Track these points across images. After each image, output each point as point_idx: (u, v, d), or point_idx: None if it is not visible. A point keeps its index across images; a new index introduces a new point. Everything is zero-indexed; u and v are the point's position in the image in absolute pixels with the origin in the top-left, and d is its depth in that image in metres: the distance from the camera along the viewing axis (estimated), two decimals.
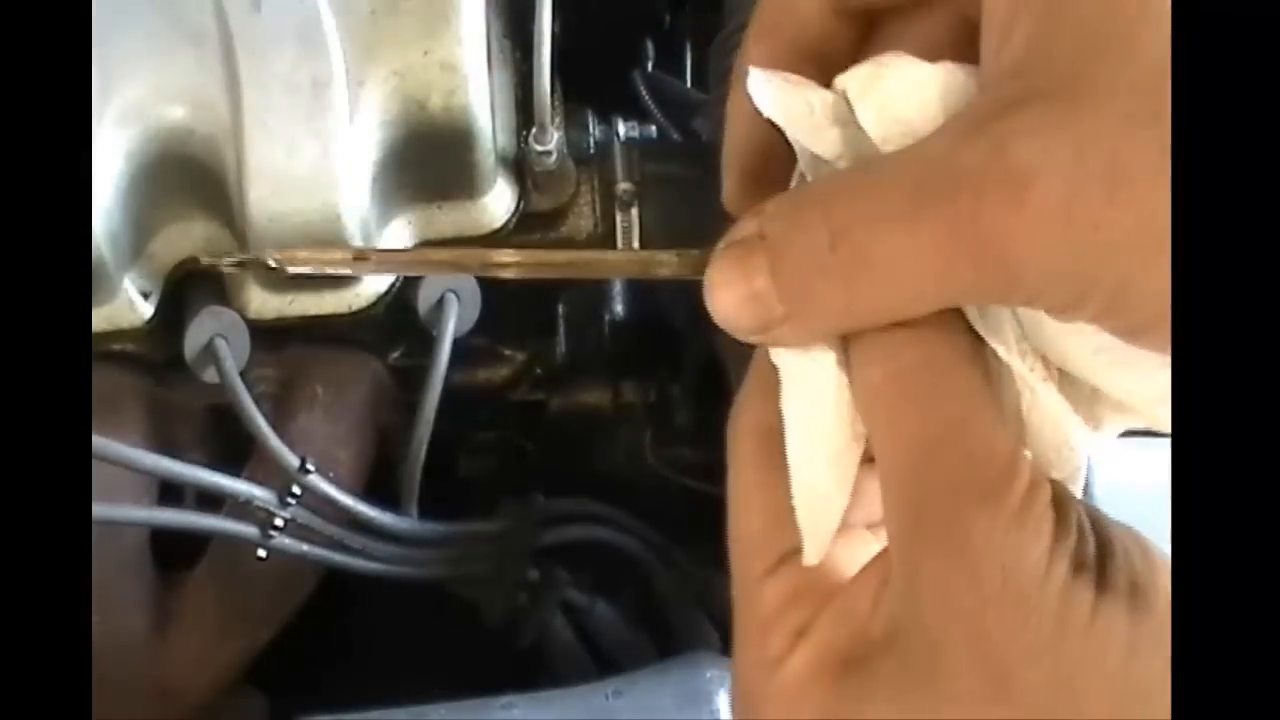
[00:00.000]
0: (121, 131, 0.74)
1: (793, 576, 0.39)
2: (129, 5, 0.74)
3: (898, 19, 0.40)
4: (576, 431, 0.93)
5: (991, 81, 0.36)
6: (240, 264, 0.42)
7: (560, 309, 0.88)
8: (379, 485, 0.83)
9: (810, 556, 0.38)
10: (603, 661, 0.89)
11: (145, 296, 0.78)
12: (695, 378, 0.93)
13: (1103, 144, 0.32)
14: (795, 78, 0.38)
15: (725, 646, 0.87)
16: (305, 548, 0.79)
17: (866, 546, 0.39)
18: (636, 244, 0.84)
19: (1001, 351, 0.36)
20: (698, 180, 0.85)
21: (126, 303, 0.77)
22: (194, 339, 0.77)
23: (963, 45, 0.38)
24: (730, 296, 0.37)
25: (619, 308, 0.89)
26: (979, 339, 0.37)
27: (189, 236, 0.79)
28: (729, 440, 0.40)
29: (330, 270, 0.42)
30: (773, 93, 0.38)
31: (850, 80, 0.37)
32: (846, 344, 0.37)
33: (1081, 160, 0.32)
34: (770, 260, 0.36)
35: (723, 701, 0.72)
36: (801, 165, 0.39)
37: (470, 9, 0.76)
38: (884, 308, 0.35)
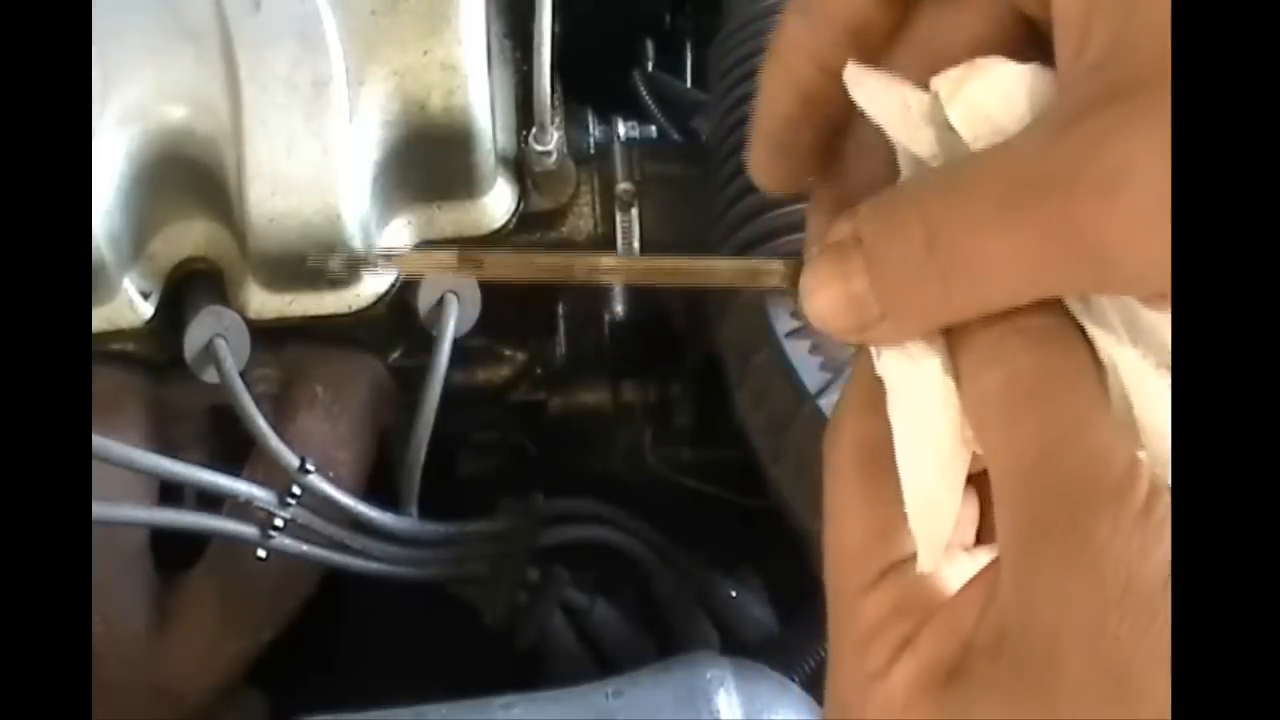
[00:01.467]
0: (121, 131, 0.74)
1: (895, 589, 0.39)
2: (129, 5, 0.74)
3: (939, 5, 0.40)
4: (576, 431, 0.93)
5: (1074, 80, 0.36)
6: (350, 264, 0.43)
7: (560, 309, 0.88)
8: (379, 485, 0.83)
9: (925, 564, 0.38)
10: (603, 661, 0.89)
11: (145, 296, 0.78)
12: (695, 378, 0.93)
13: None
14: (891, 76, 0.38)
15: (725, 646, 0.87)
16: (305, 548, 0.79)
17: (965, 566, 0.39)
18: (636, 244, 0.84)
19: (1112, 343, 0.36)
20: (698, 180, 0.85)
21: (126, 303, 0.77)
22: (194, 339, 0.77)
23: (1007, 37, 0.38)
24: (828, 299, 0.37)
25: (619, 308, 0.89)
26: (1089, 346, 0.36)
27: (189, 236, 0.79)
28: (826, 453, 0.40)
29: (441, 270, 0.43)
30: (870, 87, 0.38)
31: (942, 81, 0.37)
32: (952, 349, 0.38)
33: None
34: (867, 262, 0.37)
35: (723, 701, 0.72)
36: (900, 163, 0.39)
37: (470, 9, 0.76)
38: (981, 304, 0.36)
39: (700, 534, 0.92)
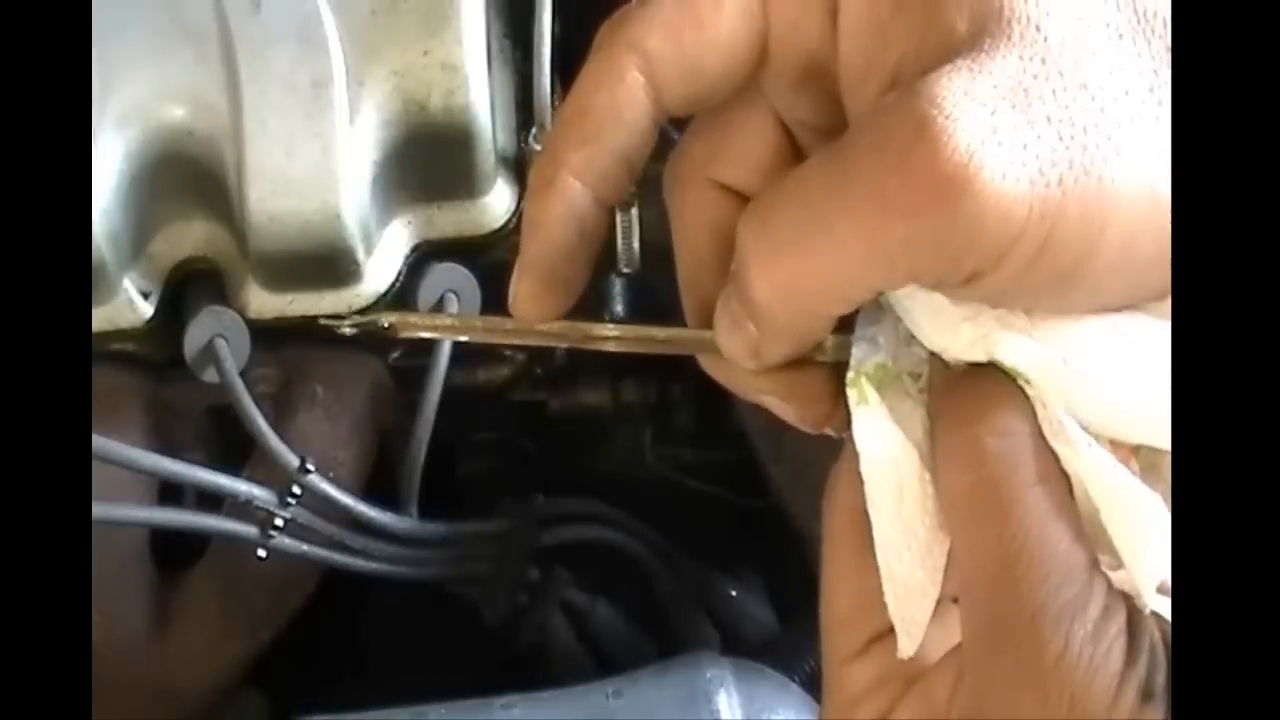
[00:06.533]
0: (121, 131, 0.74)
1: (879, 659, 0.40)
2: (129, 5, 0.74)
3: (708, 130, 0.43)
4: (576, 431, 0.93)
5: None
6: (358, 326, 0.45)
7: None
8: (379, 485, 0.83)
9: (905, 649, 0.39)
10: (603, 661, 0.89)
11: (145, 296, 0.78)
12: (695, 378, 0.92)
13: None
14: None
15: (725, 647, 0.87)
16: (305, 548, 0.79)
17: (952, 624, 0.39)
18: (636, 244, 0.84)
19: (1075, 456, 0.36)
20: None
21: (126, 303, 0.77)
22: (194, 339, 0.77)
23: (773, 149, 0.41)
24: (723, 329, 0.40)
25: (619, 308, 0.89)
26: (1055, 456, 0.37)
27: (189, 236, 0.79)
28: (824, 516, 0.41)
29: (441, 336, 0.46)
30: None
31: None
32: (932, 442, 0.38)
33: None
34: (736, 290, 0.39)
35: (723, 702, 0.72)
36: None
37: (470, 9, 0.76)
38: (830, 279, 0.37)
39: (700, 534, 0.92)
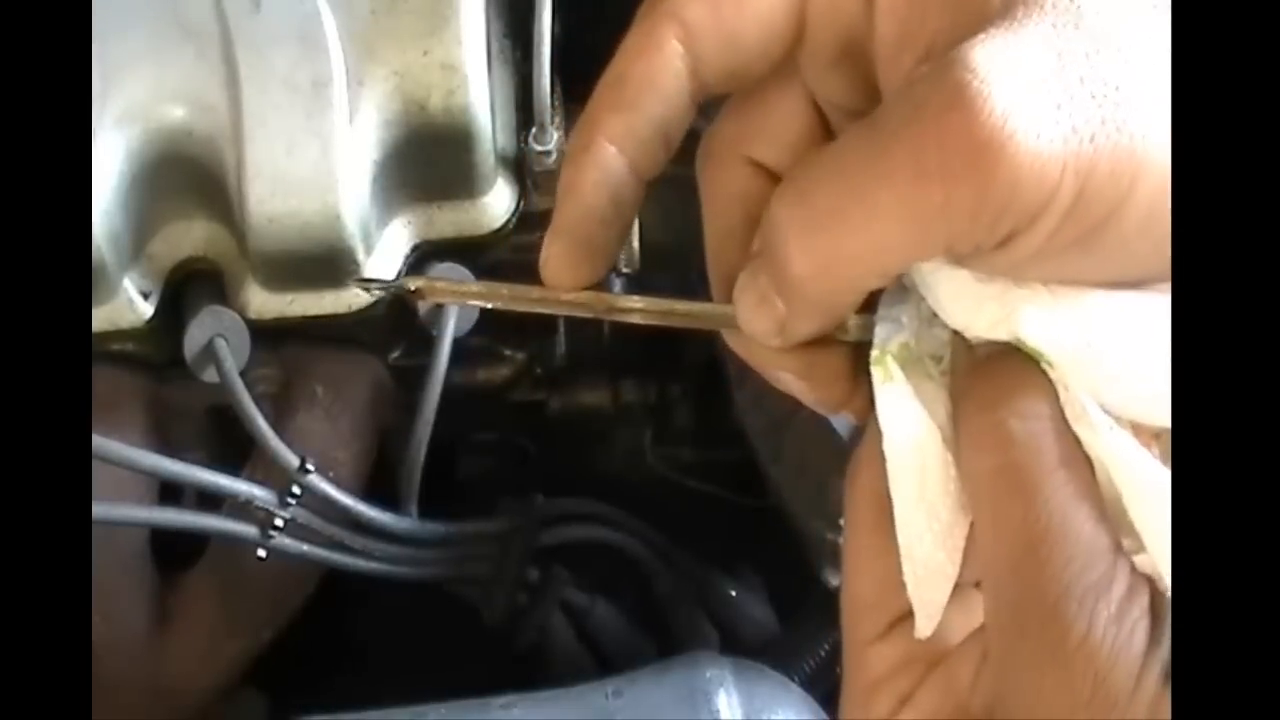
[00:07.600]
0: (121, 131, 0.74)
1: (901, 642, 0.40)
2: (129, 5, 0.74)
3: (744, 108, 0.43)
4: (576, 431, 0.93)
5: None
6: (387, 288, 0.46)
7: None
8: (379, 485, 0.83)
9: (923, 630, 0.39)
10: (603, 661, 0.89)
11: (145, 296, 0.78)
12: (695, 378, 0.93)
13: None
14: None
15: (725, 646, 0.87)
16: (305, 548, 0.79)
17: (974, 607, 0.39)
18: (636, 244, 0.84)
19: (1098, 439, 0.36)
20: (698, 180, 0.85)
21: (126, 303, 0.77)
22: (194, 339, 0.77)
23: (806, 129, 0.41)
24: (746, 305, 0.40)
25: None
26: (1077, 439, 0.37)
27: (189, 236, 0.79)
28: (845, 499, 0.41)
29: (467, 302, 0.46)
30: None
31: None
32: (955, 423, 0.38)
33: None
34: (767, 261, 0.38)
35: (722, 701, 0.72)
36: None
37: (470, 9, 0.76)
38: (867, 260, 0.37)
39: (700, 534, 0.92)
